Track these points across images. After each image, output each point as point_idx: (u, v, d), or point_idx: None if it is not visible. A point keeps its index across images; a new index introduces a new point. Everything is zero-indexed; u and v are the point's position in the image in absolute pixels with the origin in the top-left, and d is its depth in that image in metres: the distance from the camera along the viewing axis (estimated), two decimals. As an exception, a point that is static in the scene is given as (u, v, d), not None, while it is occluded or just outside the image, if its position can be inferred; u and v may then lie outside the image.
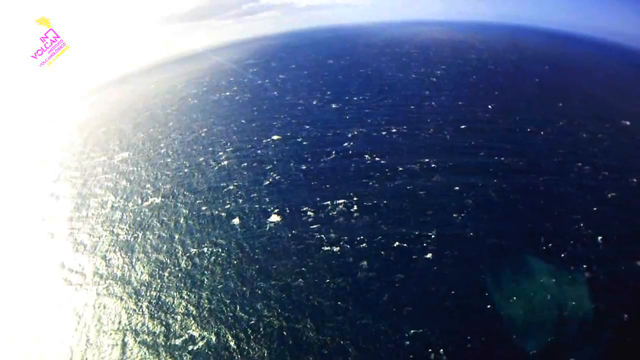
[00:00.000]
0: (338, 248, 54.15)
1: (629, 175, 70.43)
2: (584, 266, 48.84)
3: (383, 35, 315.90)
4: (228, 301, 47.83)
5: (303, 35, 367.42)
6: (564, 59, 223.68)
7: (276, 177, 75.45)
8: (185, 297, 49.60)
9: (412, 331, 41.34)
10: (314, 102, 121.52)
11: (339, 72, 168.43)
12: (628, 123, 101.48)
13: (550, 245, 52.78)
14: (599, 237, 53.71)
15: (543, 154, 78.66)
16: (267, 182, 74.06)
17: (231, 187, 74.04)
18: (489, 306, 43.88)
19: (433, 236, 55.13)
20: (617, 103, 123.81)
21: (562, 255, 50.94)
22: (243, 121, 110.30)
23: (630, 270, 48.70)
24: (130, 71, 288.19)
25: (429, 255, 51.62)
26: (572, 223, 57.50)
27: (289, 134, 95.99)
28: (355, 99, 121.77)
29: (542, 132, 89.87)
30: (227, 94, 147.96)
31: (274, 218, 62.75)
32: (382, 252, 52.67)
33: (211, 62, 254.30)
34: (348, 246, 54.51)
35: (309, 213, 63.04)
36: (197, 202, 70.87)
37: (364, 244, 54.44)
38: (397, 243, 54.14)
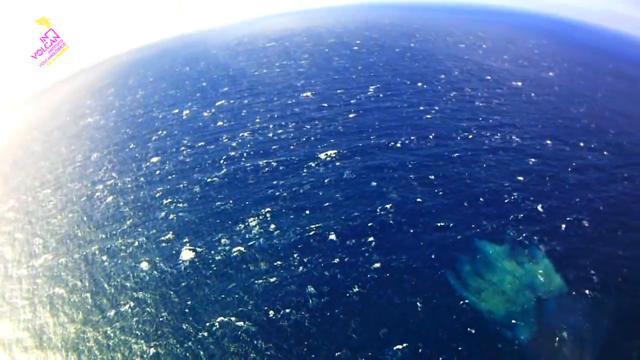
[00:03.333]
0: (275, 278, 49.16)
1: (542, 139, 77.83)
2: (535, 238, 51.60)
3: (232, 36, 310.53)
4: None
5: (151, 48, 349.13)
6: (424, 29, 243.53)
7: (170, 205, 67.92)
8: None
9: (398, 348, 39.21)
10: (184, 113, 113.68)
11: (199, 78, 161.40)
12: (519, 84, 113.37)
13: (494, 225, 54.80)
14: (539, 205, 57.29)
15: (446, 130, 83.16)
16: (163, 213, 65.97)
17: (125, 226, 65.62)
18: (463, 304, 43.34)
19: (373, 243, 53.39)
20: (497, 65, 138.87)
21: (511, 232, 53.27)
22: (116, 147, 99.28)
23: (580, 232, 53.09)
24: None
25: (377, 265, 49.66)
26: (505, 195, 60.77)
27: (168, 152, 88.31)
28: (225, 103, 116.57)
29: (436, 108, 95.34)
30: (91, 120, 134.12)
31: (187, 255, 55.73)
32: (326, 273, 49.13)
33: (66, 90, 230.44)
34: (283, 272, 50.04)
35: (223, 240, 57.01)
36: (95, 249, 62.04)
37: (300, 267, 50.28)
38: (336, 259, 51.09)
